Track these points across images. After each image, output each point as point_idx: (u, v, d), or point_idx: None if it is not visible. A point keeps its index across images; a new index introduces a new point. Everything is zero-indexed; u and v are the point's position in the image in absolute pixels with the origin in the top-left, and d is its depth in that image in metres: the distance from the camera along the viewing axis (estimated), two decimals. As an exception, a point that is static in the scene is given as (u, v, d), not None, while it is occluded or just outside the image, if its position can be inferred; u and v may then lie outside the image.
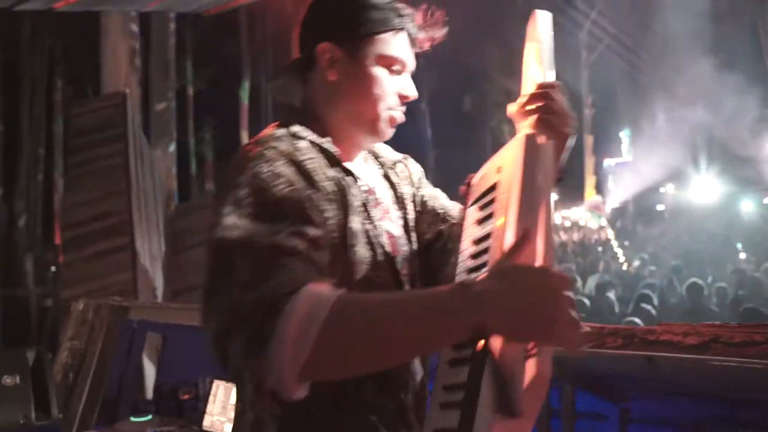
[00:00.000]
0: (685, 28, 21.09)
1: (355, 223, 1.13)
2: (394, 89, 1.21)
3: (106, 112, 5.36)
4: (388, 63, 1.19)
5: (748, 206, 21.45)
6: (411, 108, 1.26)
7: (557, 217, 27.13)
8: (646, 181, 23.78)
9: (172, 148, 9.47)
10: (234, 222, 0.97)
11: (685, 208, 22.98)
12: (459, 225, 1.20)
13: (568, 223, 25.51)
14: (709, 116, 21.14)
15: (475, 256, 1.05)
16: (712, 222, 19.29)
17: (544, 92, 1.13)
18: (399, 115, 1.23)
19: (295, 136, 1.13)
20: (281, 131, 1.14)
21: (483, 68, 24.32)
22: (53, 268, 14.36)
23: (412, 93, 1.23)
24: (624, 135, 28.34)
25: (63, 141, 16.08)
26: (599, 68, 25.46)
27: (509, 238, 0.94)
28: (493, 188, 1.09)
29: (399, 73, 1.21)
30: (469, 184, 1.20)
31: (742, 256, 13.35)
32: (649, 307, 6.40)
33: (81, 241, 4.59)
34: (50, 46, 17.24)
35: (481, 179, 1.17)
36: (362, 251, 1.13)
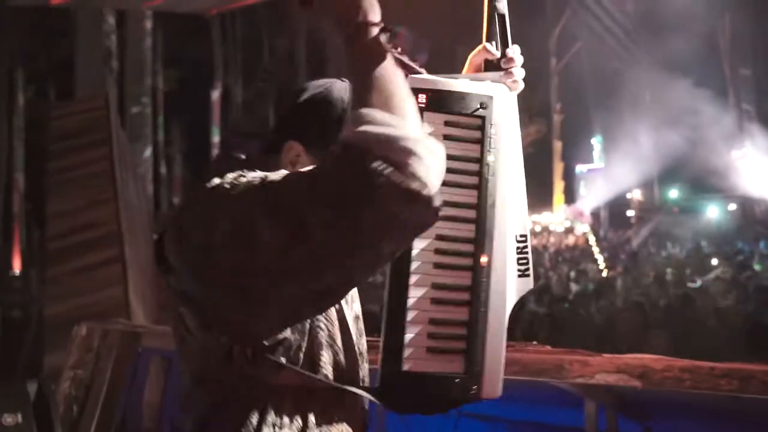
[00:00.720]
0: (656, 39, 21.45)
1: None
2: None
3: (89, 116, 5.10)
4: None
5: (713, 213, 21.88)
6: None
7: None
8: (617, 188, 24.08)
9: (148, 152, 8.99)
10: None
11: (654, 214, 23.37)
12: None
13: (538, 228, 25.71)
14: (679, 125, 21.52)
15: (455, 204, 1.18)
16: (680, 228, 19.65)
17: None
18: None
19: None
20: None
21: (454, 69, 24.52)
22: (16, 272, 13.70)
23: None
24: (596, 142, 28.66)
25: (24, 137, 15.49)
26: (569, 75, 25.68)
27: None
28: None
29: None
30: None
31: (714, 261, 13.47)
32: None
33: (65, 254, 4.28)
34: (10, 45, 16.58)
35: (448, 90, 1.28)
36: None
